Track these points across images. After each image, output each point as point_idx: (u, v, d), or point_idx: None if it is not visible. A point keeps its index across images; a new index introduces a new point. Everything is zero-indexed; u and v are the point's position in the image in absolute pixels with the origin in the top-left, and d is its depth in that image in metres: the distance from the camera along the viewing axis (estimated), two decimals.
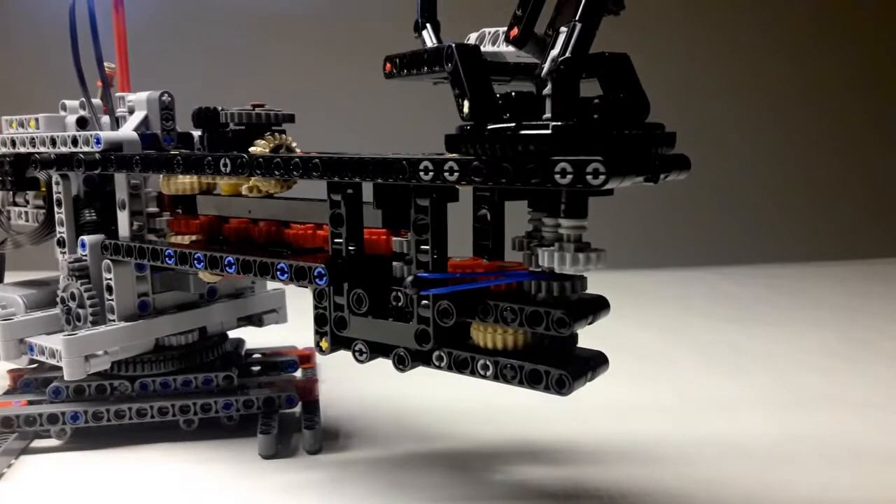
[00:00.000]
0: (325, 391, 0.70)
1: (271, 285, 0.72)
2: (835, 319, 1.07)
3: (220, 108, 0.55)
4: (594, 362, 0.42)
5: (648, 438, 0.62)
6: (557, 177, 0.35)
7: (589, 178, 0.34)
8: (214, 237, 0.57)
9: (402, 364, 0.45)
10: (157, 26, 1.46)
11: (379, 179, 0.42)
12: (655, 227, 1.56)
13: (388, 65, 0.42)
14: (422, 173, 0.40)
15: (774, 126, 1.67)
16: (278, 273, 0.47)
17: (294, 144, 0.55)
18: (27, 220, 0.69)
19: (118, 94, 0.64)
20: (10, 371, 0.70)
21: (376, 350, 0.46)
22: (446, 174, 0.39)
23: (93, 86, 0.64)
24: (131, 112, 0.62)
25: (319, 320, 0.48)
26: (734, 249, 1.59)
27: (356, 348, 0.47)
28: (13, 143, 0.65)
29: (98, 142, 0.57)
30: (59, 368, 0.61)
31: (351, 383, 0.74)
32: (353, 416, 0.67)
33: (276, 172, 0.46)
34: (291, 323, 0.73)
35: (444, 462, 0.58)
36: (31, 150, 0.63)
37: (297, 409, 0.65)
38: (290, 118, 0.55)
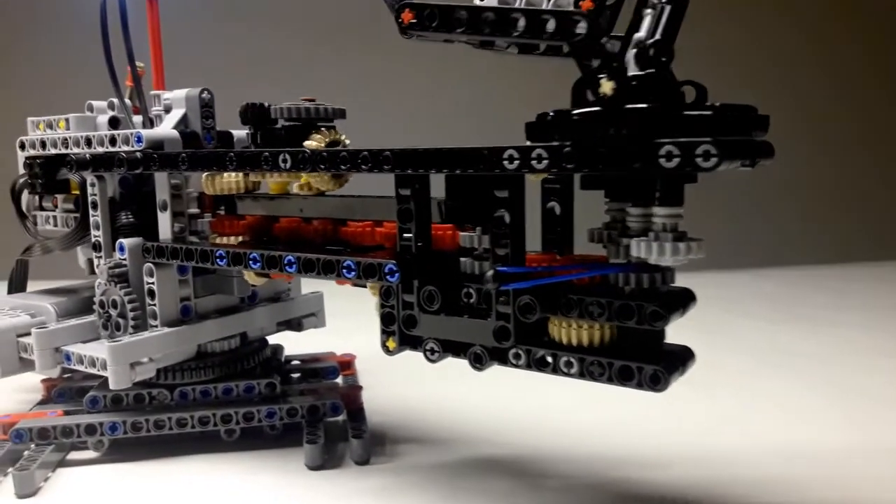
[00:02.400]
0: (366, 398, 0.68)
1: (307, 288, 0.70)
2: (886, 320, 1.05)
3: (268, 104, 0.53)
4: (682, 356, 0.41)
5: (710, 443, 0.60)
6: (662, 160, 0.33)
7: (699, 160, 0.33)
8: (262, 238, 0.55)
9: (479, 363, 0.43)
10: (183, 21, 1.44)
11: (457, 170, 0.40)
12: (693, 229, 1.52)
13: (408, 14, 0.38)
14: (506, 162, 0.38)
15: (813, 125, 1.64)
16: (344, 271, 0.45)
17: (347, 140, 0.53)
18: (55, 225, 0.67)
19: (152, 92, 0.62)
20: (44, 381, 0.68)
21: (448, 348, 0.44)
22: (534, 162, 0.37)
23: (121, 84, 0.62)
24: (167, 111, 0.60)
25: (386, 319, 0.46)
26: (775, 250, 1.57)
27: (427, 347, 0.45)
28: (43, 145, 0.62)
29: (139, 140, 0.55)
30: (95, 377, 0.59)
31: (392, 389, 0.72)
32: (398, 422, 0.65)
33: (343, 167, 0.44)
34: (328, 327, 0.71)
35: (502, 469, 0.56)
36: (64, 151, 0.61)
37: (342, 417, 0.62)
38: (342, 113, 0.53)
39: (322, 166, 0.45)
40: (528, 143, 0.37)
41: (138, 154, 0.54)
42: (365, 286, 0.50)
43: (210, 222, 0.58)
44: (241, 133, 0.63)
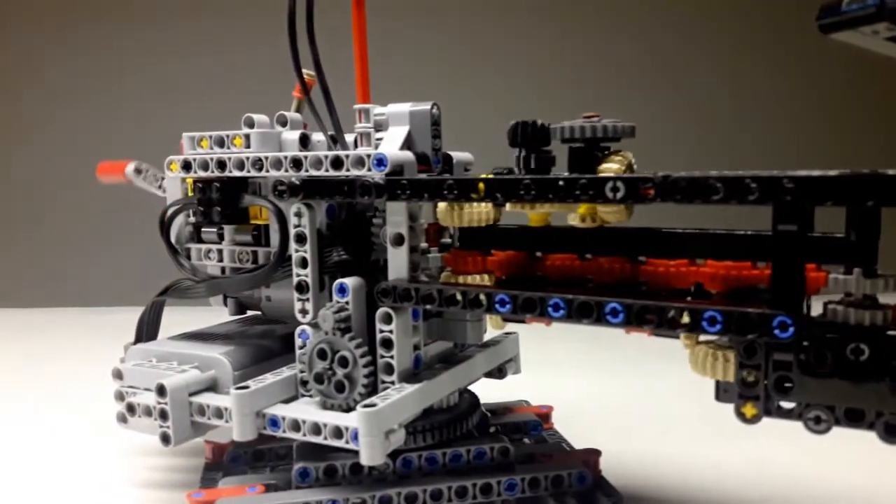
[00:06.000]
0: None
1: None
2: None
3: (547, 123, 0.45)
4: None
5: None
6: None
7: None
8: (520, 276, 0.47)
9: (893, 434, 0.35)
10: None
11: None
12: None
13: None
14: None
15: None
16: (704, 323, 0.37)
17: (633, 161, 0.45)
18: (220, 261, 0.57)
19: (356, 107, 0.53)
20: (209, 442, 0.57)
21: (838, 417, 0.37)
22: None
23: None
24: (378, 128, 0.51)
25: (748, 381, 0.38)
26: None
27: (811, 416, 0.37)
28: (221, 166, 0.53)
29: (381, 163, 0.46)
30: (274, 439, 0.50)
31: (606, 446, 0.62)
32: (644, 490, 0.56)
33: (714, 197, 0.36)
34: None
35: None
36: (255, 174, 0.51)
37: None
38: (631, 131, 0.45)
39: (678, 197, 0.37)
40: None
41: (380, 180, 0.45)
42: (677, 336, 0.42)
43: (446, 258, 0.49)
44: (459, 155, 0.55)
